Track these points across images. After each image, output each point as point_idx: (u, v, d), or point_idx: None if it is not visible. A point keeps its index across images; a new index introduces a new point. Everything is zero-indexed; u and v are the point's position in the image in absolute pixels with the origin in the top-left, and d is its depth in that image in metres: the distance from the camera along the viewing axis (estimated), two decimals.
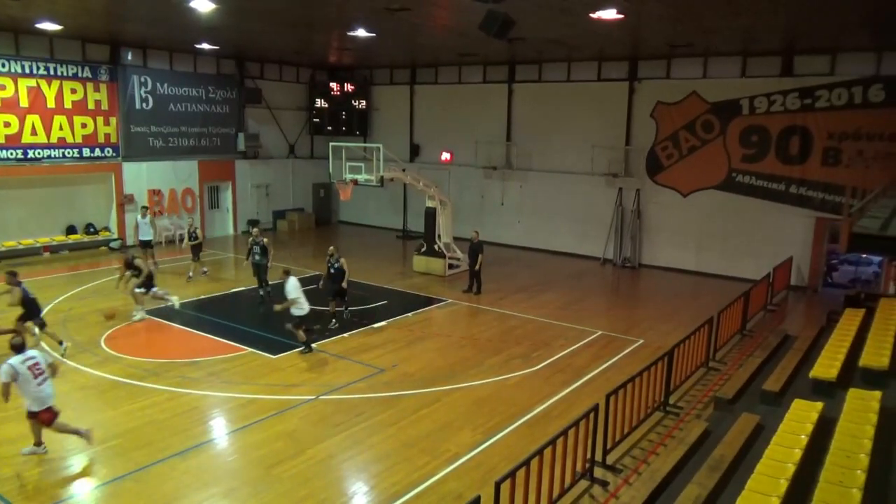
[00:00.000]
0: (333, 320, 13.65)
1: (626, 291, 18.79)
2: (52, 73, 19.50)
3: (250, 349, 12.21)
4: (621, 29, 14.71)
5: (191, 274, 17.39)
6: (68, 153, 20.15)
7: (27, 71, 18.98)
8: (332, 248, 13.93)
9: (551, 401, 10.32)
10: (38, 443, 8.29)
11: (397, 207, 26.11)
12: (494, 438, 9.03)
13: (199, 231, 17.53)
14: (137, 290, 13.73)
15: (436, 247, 18.97)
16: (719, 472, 6.49)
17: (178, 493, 7.55)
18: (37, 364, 8.08)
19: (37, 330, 11.72)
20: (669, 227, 20.28)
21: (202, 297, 15.88)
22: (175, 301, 14.33)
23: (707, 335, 11.38)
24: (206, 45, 20.69)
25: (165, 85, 22.28)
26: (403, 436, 9.07)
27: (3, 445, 8.46)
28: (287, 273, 12.33)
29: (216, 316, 14.32)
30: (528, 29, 14.41)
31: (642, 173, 20.51)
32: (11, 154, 18.93)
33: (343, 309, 14.07)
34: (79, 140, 20.34)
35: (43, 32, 18.24)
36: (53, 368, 8.44)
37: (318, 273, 13.92)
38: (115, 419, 9.37)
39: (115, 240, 21.53)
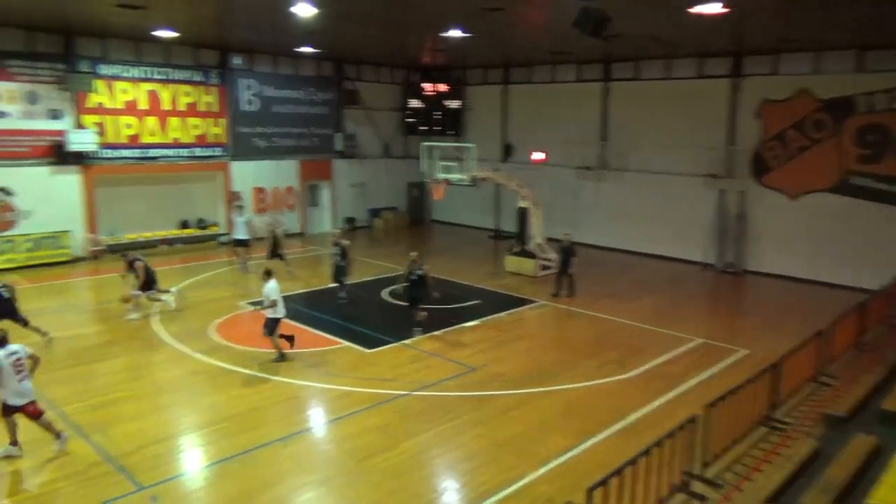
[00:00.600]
0: (417, 327, 13.41)
1: (729, 298, 17.99)
2: (167, 77, 20.89)
3: (347, 343, 12.60)
4: (725, 23, 14.10)
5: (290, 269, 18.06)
6: (182, 153, 21.54)
7: (146, 76, 20.44)
8: (414, 254, 13.79)
9: (646, 409, 10.05)
10: (14, 442, 8.24)
11: (489, 207, 26.17)
12: (586, 444, 8.89)
13: (279, 231, 17.87)
14: (135, 293, 14.06)
15: (528, 247, 18.87)
16: (830, 495, 6.12)
17: (278, 478, 7.91)
18: (19, 359, 8.10)
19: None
20: (776, 232, 19.23)
21: (301, 291, 16.52)
22: (170, 299, 14.70)
23: (818, 347, 10.72)
24: (307, 49, 21.50)
25: (270, 88, 23.36)
26: (494, 436, 9.09)
27: (126, 423, 9.14)
28: (269, 274, 11.67)
29: (315, 310, 14.87)
30: (623, 26, 14.04)
31: (746, 175, 19.55)
32: (132, 153, 20.45)
33: (420, 319, 13.49)
34: (191, 140, 21.69)
35: (160, 40, 19.53)
36: (35, 361, 8.49)
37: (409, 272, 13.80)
38: (222, 403, 9.93)
39: (223, 235, 22.76)
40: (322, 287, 16.76)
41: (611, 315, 15.06)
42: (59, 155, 18.88)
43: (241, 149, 22.92)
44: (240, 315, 14.54)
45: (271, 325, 11.56)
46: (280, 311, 11.62)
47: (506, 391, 10.61)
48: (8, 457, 8.16)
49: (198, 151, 21.92)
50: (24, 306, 15.41)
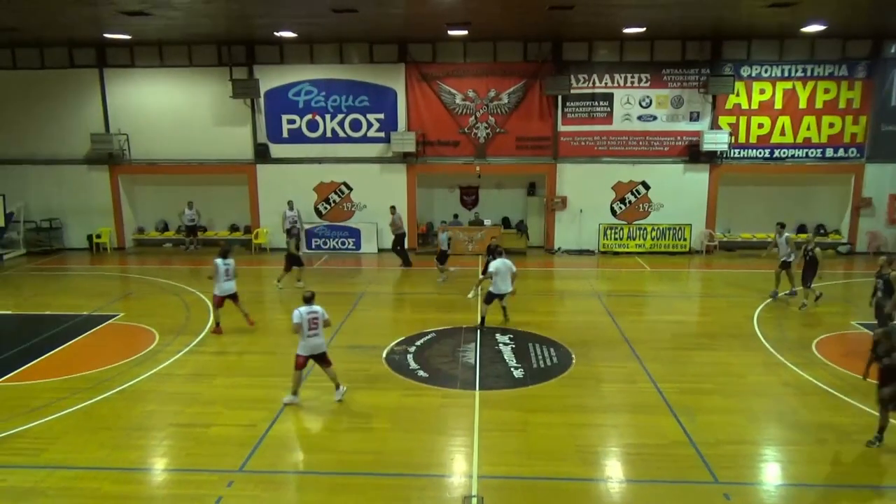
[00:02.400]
0: None
1: None
2: (807, 74, 20.01)
3: None
4: None
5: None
6: (811, 153, 20.47)
7: (785, 74, 20.05)
8: None
9: None
10: (295, 392, 9.85)
11: None
12: None
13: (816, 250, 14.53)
14: None
15: None
16: None
17: None
18: (315, 318, 9.60)
19: None
20: None
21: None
22: None
23: None
24: None
25: None
26: None
27: (711, 414, 9.49)
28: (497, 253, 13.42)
29: None
30: None
31: None
32: (759, 153, 20.56)
33: None
34: (823, 140, 20.37)
35: (804, 35, 18.79)
36: (326, 323, 9.77)
37: None
38: (809, 423, 9.19)
39: (843, 244, 20.81)
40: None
41: None
42: (692, 154, 20.56)
43: (882, 150, 20.23)
44: (848, 335, 13.08)
45: (489, 298, 13.30)
46: (500, 288, 13.11)
47: None
48: (291, 404, 9.79)
49: (829, 152, 20.42)
50: (643, 288, 17.65)
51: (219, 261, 13.03)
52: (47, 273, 19.35)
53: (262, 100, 21.10)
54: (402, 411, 9.70)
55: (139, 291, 16.89)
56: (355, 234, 21.56)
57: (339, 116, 21.21)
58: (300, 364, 9.75)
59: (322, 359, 9.87)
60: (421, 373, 11.13)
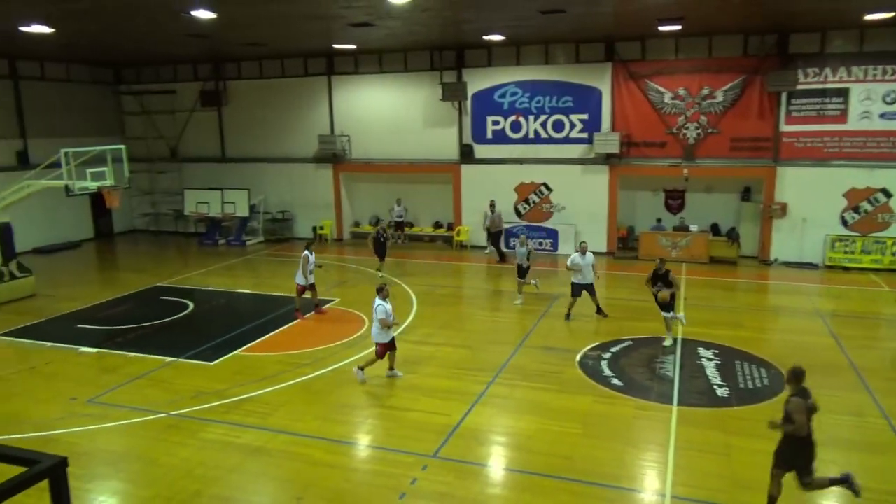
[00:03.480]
0: None
1: None
2: None
3: None
4: None
5: None
6: None
7: None
8: None
9: None
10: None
11: None
12: None
13: None
14: None
15: None
16: None
17: None
18: (374, 309, 10.68)
19: None
20: None
21: None
22: None
23: None
24: None
25: None
26: None
27: None
28: None
29: None
30: None
31: None
32: None
33: None
34: None
35: None
36: (381, 321, 10.61)
37: None
38: None
39: None
40: None
41: None
42: None
43: None
44: None
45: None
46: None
47: None
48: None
49: None
50: (879, 310, 15.62)
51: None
52: (280, 258, 21.85)
53: (468, 102, 21.89)
54: (593, 418, 9.55)
55: (353, 280, 18.44)
56: (553, 234, 21.53)
57: (543, 117, 21.29)
58: (380, 353, 10.92)
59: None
60: (615, 380, 10.86)
